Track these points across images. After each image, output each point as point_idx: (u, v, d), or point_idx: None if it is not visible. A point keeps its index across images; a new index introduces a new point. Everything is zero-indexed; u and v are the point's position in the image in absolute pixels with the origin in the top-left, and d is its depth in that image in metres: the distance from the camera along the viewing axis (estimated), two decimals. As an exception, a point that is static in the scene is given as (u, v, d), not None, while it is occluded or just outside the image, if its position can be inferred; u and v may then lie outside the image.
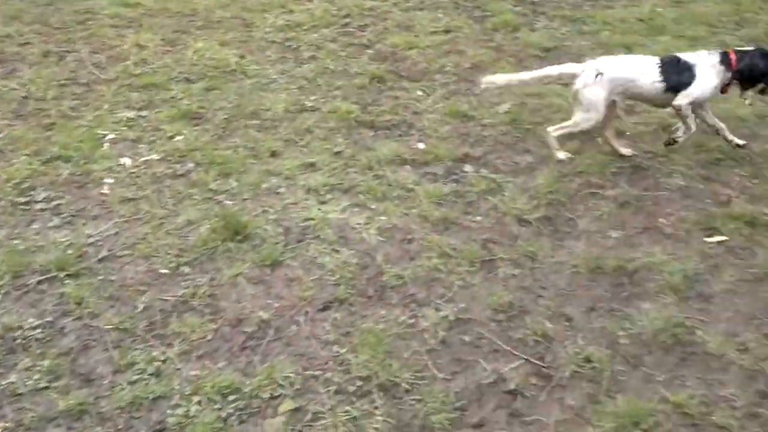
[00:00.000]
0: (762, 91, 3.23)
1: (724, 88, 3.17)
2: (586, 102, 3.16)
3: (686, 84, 3.09)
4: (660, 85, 3.12)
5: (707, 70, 3.10)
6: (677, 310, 2.38)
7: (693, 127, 3.18)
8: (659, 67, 3.12)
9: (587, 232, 2.85)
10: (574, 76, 3.20)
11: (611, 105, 3.20)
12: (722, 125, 3.28)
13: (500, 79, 3.43)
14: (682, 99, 3.10)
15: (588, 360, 2.21)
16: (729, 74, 3.11)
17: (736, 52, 3.15)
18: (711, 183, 3.14)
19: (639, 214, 2.96)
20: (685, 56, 3.17)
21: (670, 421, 1.98)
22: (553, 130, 3.30)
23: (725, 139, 3.28)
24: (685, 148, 3.35)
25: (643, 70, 3.15)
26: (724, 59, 3.10)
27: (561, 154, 3.29)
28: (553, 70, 3.37)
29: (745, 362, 2.14)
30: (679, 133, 3.23)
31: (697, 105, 3.17)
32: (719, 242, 2.72)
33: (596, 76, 3.14)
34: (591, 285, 2.57)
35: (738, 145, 3.28)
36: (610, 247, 2.75)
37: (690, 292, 2.48)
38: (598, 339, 2.31)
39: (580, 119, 3.21)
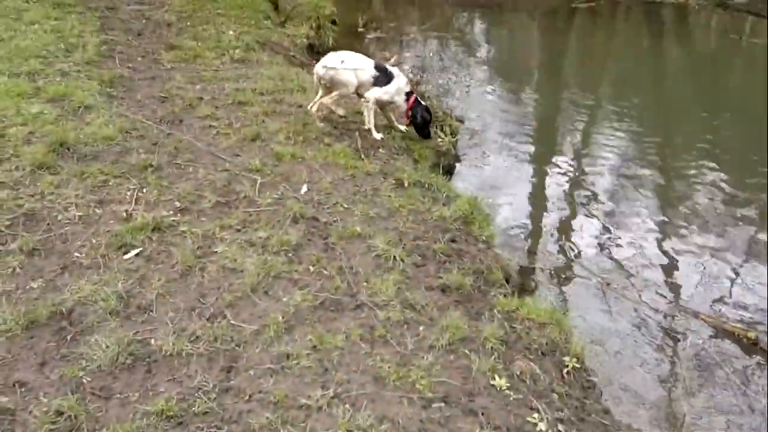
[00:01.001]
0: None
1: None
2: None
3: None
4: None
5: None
6: (125, 331, 3.10)
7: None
8: None
9: (5, 292, 3.24)
10: None
11: None
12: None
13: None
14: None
15: (59, 413, 2.64)
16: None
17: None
18: (106, 205, 4.04)
19: (51, 255, 3.57)
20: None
21: (158, 429, 2.67)
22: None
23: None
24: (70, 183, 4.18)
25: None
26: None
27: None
28: None
29: (201, 349, 3.06)
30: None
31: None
32: (137, 255, 3.63)
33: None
34: (32, 342, 2.99)
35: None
36: (35, 298, 3.23)
37: (130, 308, 3.24)
38: (62, 389, 2.77)
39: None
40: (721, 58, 11.13)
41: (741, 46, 11.18)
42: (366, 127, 5.63)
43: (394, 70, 5.76)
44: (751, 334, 4.12)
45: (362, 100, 5.60)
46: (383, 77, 5.57)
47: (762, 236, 5.37)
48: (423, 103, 5.75)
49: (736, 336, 4.15)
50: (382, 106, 5.74)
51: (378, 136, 5.60)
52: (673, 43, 12.36)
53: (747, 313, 4.43)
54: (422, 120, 5.68)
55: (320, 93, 5.63)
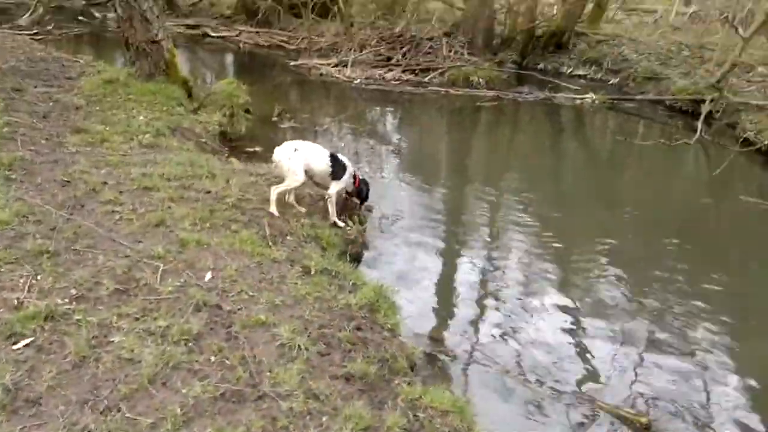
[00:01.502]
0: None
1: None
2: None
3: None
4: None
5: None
6: (11, 426, 2.94)
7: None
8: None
9: None
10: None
11: None
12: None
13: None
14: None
15: None
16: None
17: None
18: (-3, 292, 3.88)
19: (-72, 344, 3.35)
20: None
21: None
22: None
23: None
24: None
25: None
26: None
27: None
28: None
29: (91, 443, 2.93)
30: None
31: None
32: (27, 345, 3.47)
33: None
34: None
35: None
36: None
37: (17, 402, 3.09)
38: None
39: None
40: (617, 158, 11.91)
41: (632, 145, 11.96)
42: (331, 221, 6.16)
43: (344, 158, 6.26)
44: (644, 419, 4.28)
45: (326, 195, 6.19)
46: (339, 168, 6.09)
47: (659, 326, 5.64)
48: (361, 177, 6.64)
49: (630, 421, 4.30)
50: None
51: (341, 224, 6.19)
52: (572, 141, 13.14)
53: (641, 399, 4.62)
54: (366, 192, 6.63)
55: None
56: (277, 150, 5.91)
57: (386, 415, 3.31)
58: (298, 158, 5.85)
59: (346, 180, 6.21)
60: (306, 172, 5.93)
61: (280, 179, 5.96)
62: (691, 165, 11.31)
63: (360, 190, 6.52)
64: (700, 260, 7.01)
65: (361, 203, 6.73)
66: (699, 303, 6.00)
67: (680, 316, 5.79)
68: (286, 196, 6.15)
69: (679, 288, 6.32)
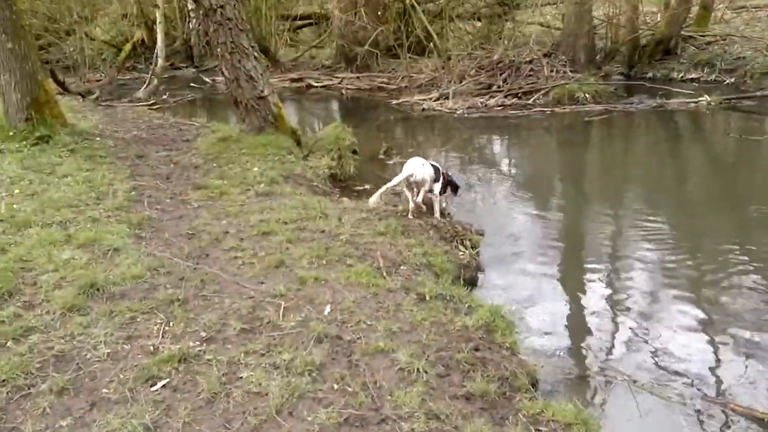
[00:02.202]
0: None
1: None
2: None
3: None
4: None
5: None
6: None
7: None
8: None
9: (34, 432, 3.32)
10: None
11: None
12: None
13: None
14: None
15: None
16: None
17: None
18: (134, 340, 4.18)
19: (80, 394, 3.68)
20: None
21: None
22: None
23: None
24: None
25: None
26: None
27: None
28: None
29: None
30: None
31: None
32: (163, 386, 3.71)
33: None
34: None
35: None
36: (63, 437, 3.30)
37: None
38: None
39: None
40: (740, 157, 11.27)
41: (757, 143, 11.28)
42: (437, 217, 7.17)
43: (435, 164, 7.39)
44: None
45: (432, 195, 7.24)
46: (437, 173, 7.21)
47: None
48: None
49: (766, 422, 4.04)
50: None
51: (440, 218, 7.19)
52: (690, 146, 12.58)
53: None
54: (455, 181, 7.74)
55: (410, 196, 7.09)
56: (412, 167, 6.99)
57: (508, 430, 3.27)
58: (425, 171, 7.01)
59: (441, 181, 7.29)
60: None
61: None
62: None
63: (450, 181, 7.62)
64: None
65: (455, 192, 7.80)
66: None
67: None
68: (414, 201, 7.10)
69: None
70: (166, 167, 8.58)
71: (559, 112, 14.44)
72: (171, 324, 4.41)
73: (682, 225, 7.86)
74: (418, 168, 6.96)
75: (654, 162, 11.31)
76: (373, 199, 7.01)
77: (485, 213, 8.43)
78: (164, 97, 17.17)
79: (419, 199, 7.04)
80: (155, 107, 15.36)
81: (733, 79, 15.89)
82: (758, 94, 14.27)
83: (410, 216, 6.93)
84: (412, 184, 6.99)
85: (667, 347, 5.06)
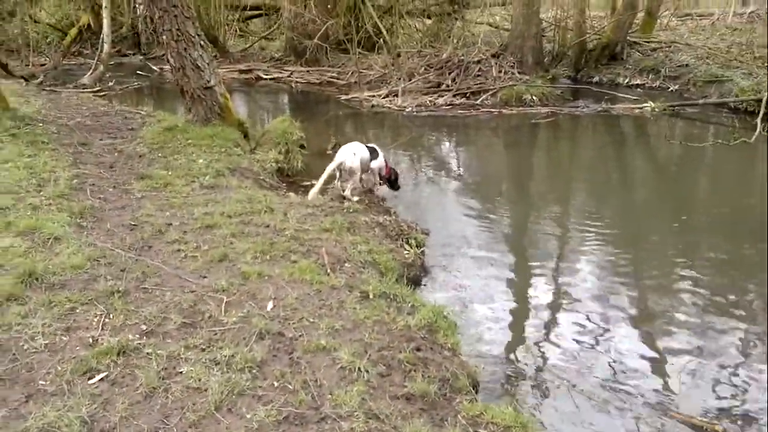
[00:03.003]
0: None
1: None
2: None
3: None
4: None
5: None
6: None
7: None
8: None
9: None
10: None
11: None
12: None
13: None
14: None
15: None
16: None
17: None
18: (72, 332, 4.12)
19: (16, 385, 3.61)
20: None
21: None
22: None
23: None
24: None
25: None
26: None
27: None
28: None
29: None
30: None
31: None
32: (101, 379, 3.67)
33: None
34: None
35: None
36: (-3, 428, 3.24)
37: (87, 433, 3.28)
38: None
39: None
40: (681, 163, 11.66)
41: (700, 150, 11.68)
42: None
43: (374, 146, 7.96)
44: (718, 428, 4.17)
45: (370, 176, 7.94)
46: (374, 152, 7.79)
47: (739, 339, 5.49)
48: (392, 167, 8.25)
49: (704, 430, 4.20)
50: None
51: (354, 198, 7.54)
52: (634, 151, 12.94)
53: (716, 409, 4.50)
54: (396, 178, 8.22)
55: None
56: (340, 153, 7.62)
57: (446, 431, 3.34)
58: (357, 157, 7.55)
59: (381, 161, 7.86)
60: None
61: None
62: (763, 165, 10.97)
63: (390, 176, 8.05)
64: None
65: (393, 188, 8.22)
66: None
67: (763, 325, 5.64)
68: (347, 191, 7.56)
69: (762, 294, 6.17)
70: (109, 156, 8.42)
71: (507, 113, 14.70)
72: (111, 316, 4.35)
73: (625, 228, 8.09)
74: (349, 156, 7.45)
75: (598, 165, 11.62)
76: (312, 194, 7.33)
77: (431, 212, 8.54)
78: (110, 84, 16.82)
79: (347, 188, 7.53)
80: (101, 94, 15.04)
81: (677, 86, 16.42)
82: (700, 102, 14.78)
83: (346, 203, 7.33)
84: (344, 172, 7.51)
85: (610, 352, 5.20)
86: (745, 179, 10.58)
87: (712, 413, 4.45)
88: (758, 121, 11.04)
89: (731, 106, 14.24)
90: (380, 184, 8.13)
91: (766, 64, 14.99)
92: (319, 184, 7.40)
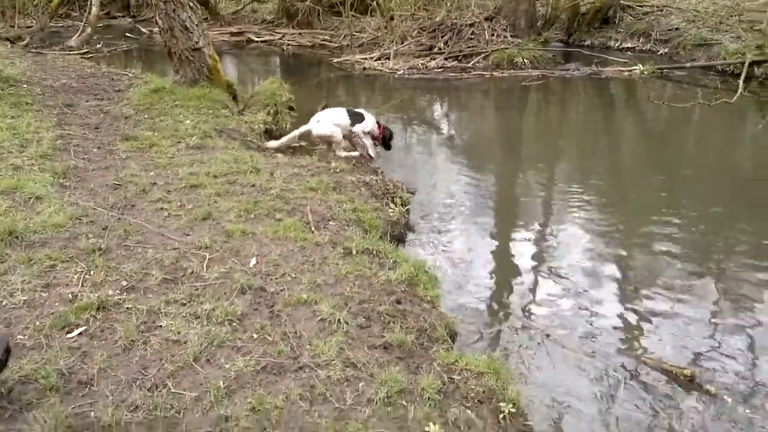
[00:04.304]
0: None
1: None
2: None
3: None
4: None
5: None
6: (64, 405, 3.12)
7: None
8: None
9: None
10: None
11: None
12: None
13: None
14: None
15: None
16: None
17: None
18: (52, 288, 4.10)
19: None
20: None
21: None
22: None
23: None
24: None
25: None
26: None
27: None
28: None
29: (140, 417, 3.06)
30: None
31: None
32: (80, 334, 3.66)
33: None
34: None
35: None
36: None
37: (71, 384, 3.27)
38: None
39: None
40: (668, 125, 11.63)
41: (689, 111, 11.63)
42: (370, 153, 7.88)
43: (360, 110, 8.00)
44: (687, 372, 4.24)
45: (353, 135, 7.84)
46: (355, 116, 7.80)
47: (715, 292, 5.54)
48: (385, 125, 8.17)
49: (674, 374, 4.27)
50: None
51: (344, 154, 7.77)
52: (622, 113, 12.89)
53: (688, 356, 4.56)
54: (390, 137, 8.05)
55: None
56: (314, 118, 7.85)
57: (421, 378, 3.35)
58: (327, 123, 7.72)
59: (367, 124, 7.79)
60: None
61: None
62: (748, 127, 10.95)
63: (384, 135, 7.96)
64: (760, 224, 6.82)
65: (386, 147, 8.09)
66: (759, 268, 5.88)
67: (740, 281, 5.69)
68: (336, 152, 7.80)
69: (741, 252, 6.25)
70: (95, 117, 8.30)
71: (498, 76, 14.56)
72: (91, 273, 4.33)
73: (612, 189, 8.09)
74: (314, 124, 7.76)
75: (587, 128, 11.57)
76: (271, 144, 8.06)
77: (419, 173, 8.50)
78: (98, 46, 16.55)
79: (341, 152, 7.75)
80: (88, 56, 14.77)
81: (666, 50, 16.26)
82: (688, 65, 14.68)
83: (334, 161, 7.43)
84: (320, 139, 7.88)
85: (588, 308, 5.23)
86: (727, 139, 10.61)
87: (683, 360, 4.51)
88: (740, 82, 10.96)
89: (719, 69, 14.17)
90: (375, 145, 7.99)
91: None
92: (281, 140, 8.05)
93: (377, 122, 7.98)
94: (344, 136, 7.81)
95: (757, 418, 3.95)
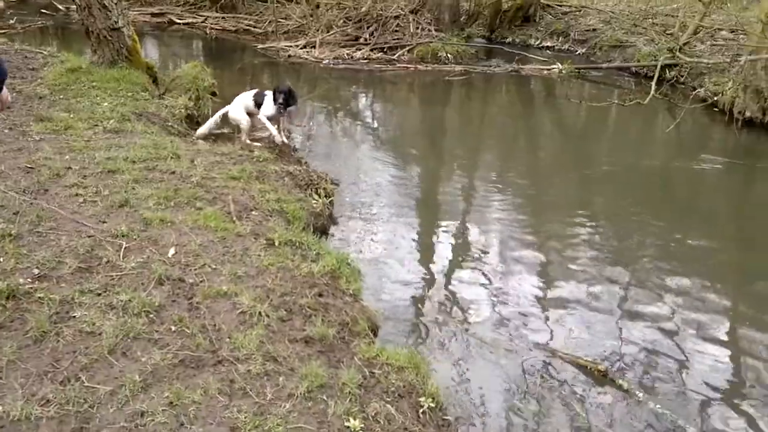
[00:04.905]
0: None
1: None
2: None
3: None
4: None
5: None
6: (-30, 399, 2.98)
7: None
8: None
9: None
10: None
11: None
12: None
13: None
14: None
15: None
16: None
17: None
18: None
19: None
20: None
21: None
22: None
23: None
24: None
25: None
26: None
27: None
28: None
29: (51, 412, 2.96)
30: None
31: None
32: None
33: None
34: None
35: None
36: None
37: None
38: None
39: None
40: (585, 123, 12.05)
41: (602, 111, 12.06)
42: (277, 139, 7.80)
43: (265, 92, 7.88)
44: (601, 367, 4.43)
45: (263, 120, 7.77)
46: (260, 98, 7.75)
47: (630, 286, 5.79)
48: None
49: (588, 369, 4.46)
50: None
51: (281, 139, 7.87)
52: (541, 111, 13.25)
53: (602, 351, 4.76)
54: (289, 93, 7.67)
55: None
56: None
57: (342, 373, 3.37)
58: (237, 106, 7.86)
59: (267, 109, 7.67)
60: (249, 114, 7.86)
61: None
62: (660, 127, 11.45)
63: (286, 98, 7.53)
64: (670, 220, 7.19)
65: (286, 106, 7.66)
66: (670, 263, 6.18)
67: (651, 275, 5.97)
68: (244, 138, 7.83)
69: (652, 246, 6.54)
70: (6, 95, 7.90)
71: (422, 69, 14.70)
72: (1, 259, 4.14)
73: (530, 185, 8.32)
74: (234, 106, 7.87)
75: (508, 124, 11.85)
76: (200, 131, 7.96)
77: (343, 164, 8.50)
78: (11, 22, 15.73)
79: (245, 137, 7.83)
80: (0, 33, 14.03)
81: (584, 50, 16.77)
82: (604, 66, 15.20)
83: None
84: (233, 121, 7.95)
85: (506, 300, 5.39)
86: (641, 139, 11.09)
87: (597, 355, 4.70)
88: (653, 84, 11.46)
89: (632, 71, 14.78)
90: (281, 113, 7.74)
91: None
92: (205, 125, 8.01)
93: (274, 90, 7.68)
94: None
95: (666, 413, 4.16)
